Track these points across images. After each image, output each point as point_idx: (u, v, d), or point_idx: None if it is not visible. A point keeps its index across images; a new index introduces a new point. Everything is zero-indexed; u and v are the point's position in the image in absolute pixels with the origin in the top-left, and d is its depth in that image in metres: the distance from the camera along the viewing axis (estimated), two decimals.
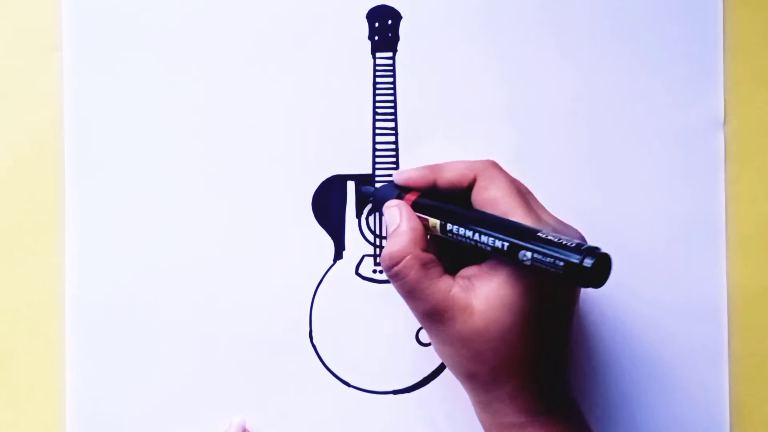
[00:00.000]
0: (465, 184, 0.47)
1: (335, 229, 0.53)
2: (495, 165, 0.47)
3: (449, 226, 0.45)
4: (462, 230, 0.44)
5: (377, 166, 0.53)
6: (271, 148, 0.52)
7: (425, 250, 0.45)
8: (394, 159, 0.53)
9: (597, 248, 0.40)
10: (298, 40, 0.52)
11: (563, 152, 0.53)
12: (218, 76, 0.52)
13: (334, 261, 0.53)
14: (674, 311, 0.53)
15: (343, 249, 0.53)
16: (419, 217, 0.46)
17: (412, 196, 0.47)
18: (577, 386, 0.52)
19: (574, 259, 0.39)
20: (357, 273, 0.53)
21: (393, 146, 0.53)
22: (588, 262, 0.39)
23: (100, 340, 0.52)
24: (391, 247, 0.45)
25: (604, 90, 0.53)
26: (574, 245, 0.40)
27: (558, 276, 0.40)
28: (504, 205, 0.44)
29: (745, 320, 0.53)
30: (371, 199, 0.51)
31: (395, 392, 0.53)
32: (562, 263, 0.39)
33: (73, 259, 0.52)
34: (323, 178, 0.53)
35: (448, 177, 0.47)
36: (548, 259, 0.40)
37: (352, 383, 0.52)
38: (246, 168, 0.52)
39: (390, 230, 0.46)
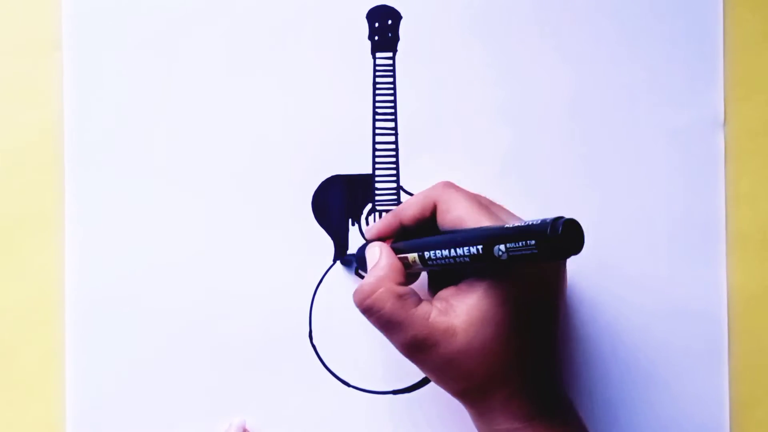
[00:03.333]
0: (428, 213, 0.47)
1: (335, 229, 0.53)
2: (450, 185, 0.47)
3: (426, 254, 0.45)
4: (438, 252, 0.44)
5: (377, 166, 0.53)
6: (272, 148, 0.52)
7: (403, 284, 0.45)
8: (394, 159, 0.53)
9: (561, 216, 0.39)
10: (298, 40, 0.53)
11: (563, 152, 0.53)
12: (218, 75, 0.52)
13: (334, 261, 0.53)
14: (674, 311, 0.53)
15: (344, 249, 0.53)
16: (400, 258, 0.47)
17: (387, 244, 0.48)
18: (576, 388, 0.52)
19: (543, 231, 0.39)
20: (357, 273, 0.53)
21: (393, 146, 0.53)
22: (557, 228, 0.39)
23: (100, 340, 0.52)
24: (363, 282, 0.45)
25: (603, 90, 0.53)
26: (539, 222, 0.39)
27: (536, 257, 0.40)
28: (470, 221, 0.45)
29: (745, 320, 0.53)
30: (355, 264, 0.52)
31: (395, 392, 0.53)
32: (533, 242, 0.39)
33: (73, 258, 0.52)
34: (323, 178, 0.53)
35: (410, 214, 0.47)
36: (520, 243, 0.40)
37: (352, 383, 0.52)
38: (246, 168, 0.52)
39: (369, 269, 0.47)
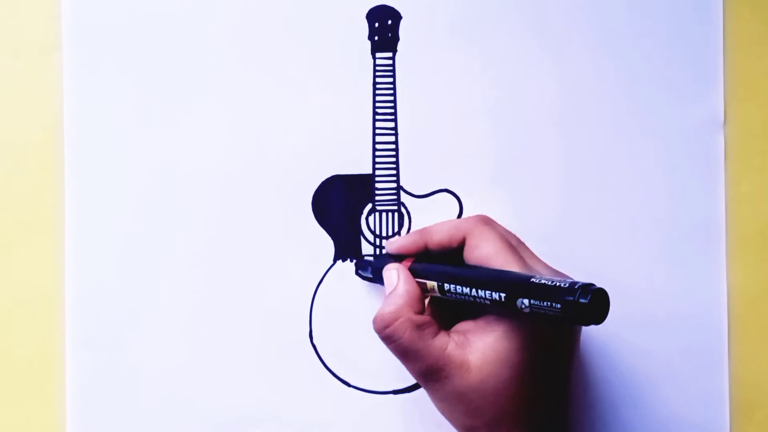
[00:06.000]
0: (455, 244, 0.47)
1: (335, 229, 0.53)
2: (483, 222, 0.48)
3: (447, 286, 0.45)
4: (459, 288, 0.45)
5: (377, 166, 0.53)
6: (272, 148, 0.52)
7: (421, 312, 0.46)
8: (394, 159, 0.53)
9: (591, 284, 0.40)
10: (298, 40, 0.52)
11: (562, 152, 0.53)
12: (218, 76, 0.52)
13: (334, 261, 0.53)
14: (674, 312, 0.53)
15: (344, 249, 0.53)
16: (417, 281, 0.47)
17: (407, 263, 0.48)
18: (577, 382, 0.52)
19: (570, 298, 0.39)
20: (357, 273, 0.53)
21: (393, 146, 0.53)
22: (584, 299, 0.39)
23: (100, 340, 0.52)
24: (382, 309, 0.45)
25: (603, 91, 0.53)
26: (567, 285, 0.40)
27: (557, 318, 0.40)
28: (497, 261, 0.45)
29: (745, 321, 0.53)
30: (370, 272, 0.52)
31: (395, 392, 0.53)
32: (559, 305, 0.39)
33: (73, 259, 0.52)
34: (323, 178, 0.53)
35: (438, 239, 0.48)
36: (545, 303, 0.40)
37: (352, 383, 0.52)
38: (246, 168, 0.52)
39: (387, 293, 0.47)
